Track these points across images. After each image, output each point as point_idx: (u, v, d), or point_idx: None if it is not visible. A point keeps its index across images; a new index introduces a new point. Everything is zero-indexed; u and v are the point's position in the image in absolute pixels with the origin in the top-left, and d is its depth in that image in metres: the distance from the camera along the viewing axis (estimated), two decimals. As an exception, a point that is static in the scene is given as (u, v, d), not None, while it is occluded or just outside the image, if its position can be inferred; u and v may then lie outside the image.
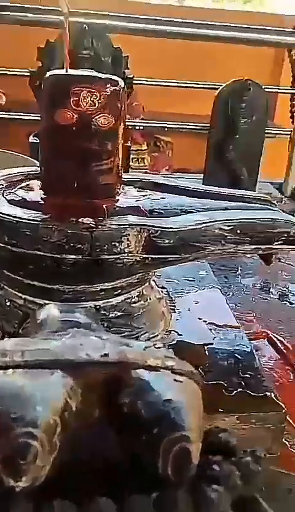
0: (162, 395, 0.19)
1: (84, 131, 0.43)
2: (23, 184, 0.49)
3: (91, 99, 0.42)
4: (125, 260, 0.42)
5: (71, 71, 0.44)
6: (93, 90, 0.42)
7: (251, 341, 0.51)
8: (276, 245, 0.47)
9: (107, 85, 0.43)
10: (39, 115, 0.46)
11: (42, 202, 0.45)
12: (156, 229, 0.42)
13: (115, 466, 0.18)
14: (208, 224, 0.44)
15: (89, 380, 0.19)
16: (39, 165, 0.48)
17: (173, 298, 0.55)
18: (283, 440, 0.43)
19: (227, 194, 0.51)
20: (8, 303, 0.45)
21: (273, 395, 0.43)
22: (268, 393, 0.43)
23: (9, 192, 0.47)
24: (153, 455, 0.17)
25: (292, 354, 0.56)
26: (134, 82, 0.93)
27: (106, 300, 0.45)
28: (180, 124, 1.31)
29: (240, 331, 0.51)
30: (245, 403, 0.42)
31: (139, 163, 1.26)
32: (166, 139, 1.38)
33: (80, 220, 0.41)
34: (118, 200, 0.46)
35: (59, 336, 0.22)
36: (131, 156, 1.20)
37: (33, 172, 0.51)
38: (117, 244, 0.41)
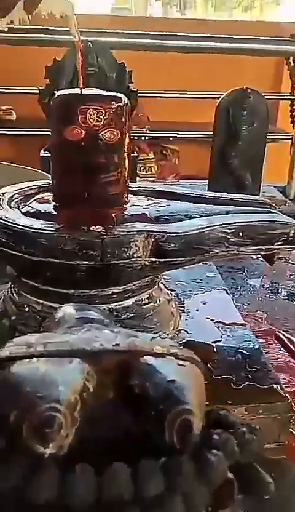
0: (167, 377, 0.21)
1: (92, 146, 0.46)
2: (36, 196, 0.52)
3: (98, 116, 0.45)
4: (134, 264, 0.44)
5: (77, 90, 0.48)
6: (99, 108, 0.45)
7: (259, 339, 0.53)
8: (276, 245, 0.49)
9: (112, 102, 0.46)
10: (48, 130, 0.49)
11: (55, 212, 0.48)
12: (162, 234, 0.45)
13: (127, 437, 0.21)
14: (211, 228, 0.46)
15: (103, 365, 0.22)
16: (50, 178, 0.51)
17: (182, 300, 0.57)
18: (291, 429, 0.45)
19: (229, 199, 0.53)
20: (27, 309, 0.48)
21: (279, 387, 0.45)
22: (275, 385, 0.45)
23: (24, 205, 0.50)
24: (160, 426, 0.20)
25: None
26: (138, 95, 0.96)
27: (118, 303, 0.47)
28: (184, 132, 1.34)
29: (247, 328, 0.53)
30: (252, 395, 0.44)
31: (146, 171, 1.29)
32: (172, 147, 1.41)
33: (91, 229, 0.44)
34: (126, 208, 0.49)
35: (76, 330, 0.25)
36: (139, 165, 1.23)
37: (45, 185, 0.54)
38: (126, 250, 0.44)
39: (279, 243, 0.49)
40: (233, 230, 0.47)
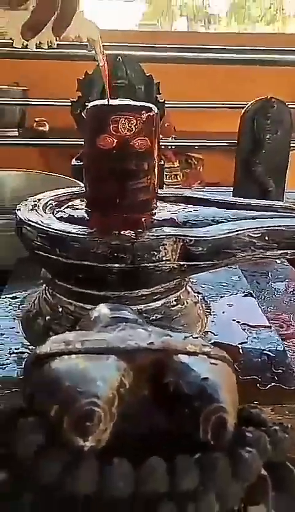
0: (200, 375, 0.21)
1: (123, 153, 0.46)
2: (70, 203, 0.53)
3: (129, 125, 0.45)
4: (163, 267, 0.44)
5: (110, 101, 0.48)
6: (130, 117, 0.45)
7: (284, 341, 0.53)
8: (302, 249, 0.48)
9: (142, 112, 0.46)
10: (79, 140, 0.49)
11: (88, 218, 0.48)
12: (190, 238, 0.45)
13: (162, 433, 0.21)
14: (237, 232, 0.46)
15: (138, 363, 0.22)
16: (82, 185, 0.51)
17: (208, 302, 0.57)
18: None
19: (254, 204, 0.53)
20: (60, 309, 0.48)
21: (304, 388, 0.44)
22: (300, 386, 0.44)
23: (58, 211, 0.51)
24: (195, 424, 0.20)
25: None
26: (165, 105, 0.96)
27: (147, 304, 0.47)
28: (209, 141, 1.34)
29: (272, 331, 0.52)
30: (278, 395, 0.43)
31: (172, 179, 1.29)
32: (197, 156, 1.41)
33: (122, 233, 0.44)
34: (155, 214, 0.49)
35: (111, 329, 0.25)
36: (165, 173, 1.23)
37: (77, 192, 0.55)
38: (156, 253, 0.44)
39: (305, 247, 0.48)
40: (260, 234, 0.46)
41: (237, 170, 0.90)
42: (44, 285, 0.51)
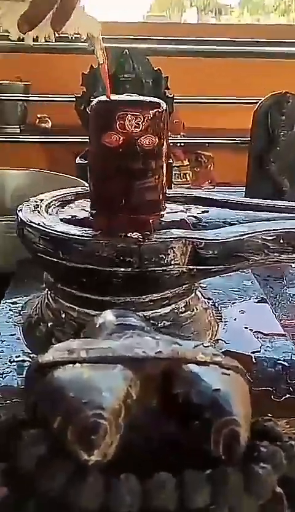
0: (211, 386, 0.21)
1: (130, 152, 0.46)
2: (74, 203, 0.53)
3: (136, 122, 0.46)
4: (171, 272, 0.44)
5: (116, 97, 0.48)
6: (137, 114, 0.45)
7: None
8: (318, 253, 0.48)
9: (150, 108, 0.46)
10: (83, 137, 0.49)
11: (92, 219, 0.49)
12: (200, 241, 0.45)
13: (172, 446, 0.21)
14: (250, 235, 0.46)
15: (146, 373, 0.22)
16: (86, 184, 0.51)
17: (219, 309, 0.56)
18: None
19: (268, 205, 0.53)
20: (63, 315, 0.48)
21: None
22: (316, 398, 0.44)
23: (61, 211, 0.51)
24: (206, 437, 0.20)
25: None
26: (174, 101, 0.96)
27: (155, 310, 0.47)
28: (220, 138, 1.34)
29: (287, 339, 0.52)
30: (294, 408, 0.43)
31: (181, 178, 1.29)
32: (207, 154, 1.41)
33: (128, 235, 0.44)
34: (163, 215, 0.49)
35: (117, 337, 0.25)
36: (174, 172, 1.23)
37: (82, 192, 0.55)
38: (164, 256, 0.44)
39: (322, 250, 0.48)
40: (274, 237, 0.46)
41: (250, 168, 0.90)
42: (46, 289, 0.51)
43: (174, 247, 0.44)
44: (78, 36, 0.47)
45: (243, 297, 0.59)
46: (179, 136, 1.37)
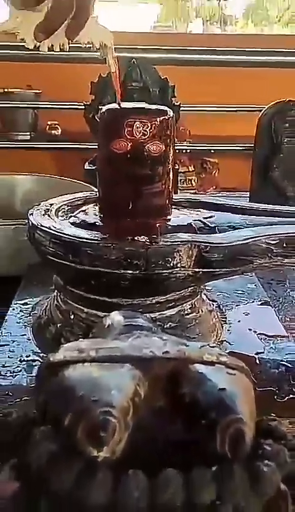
0: (218, 385, 0.21)
1: (137, 158, 0.46)
2: (83, 207, 0.53)
3: (144, 129, 0.46)
4: (177, 274, 0.44)
5: (125, 104, 0.48)
6: (145, 121, 0.46)
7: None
8: (322, 257, 0.48)
9: (157, 116, 0.46)
10: (91, 144, 0.50)
11: (101, 223, 0.49)
12: (206, 244, 0.45)
13: (178, 444, 0.21)
14: (255, 239, 0.46)
15: (154, 373, 0.22)
16: (95, 189, 0.51)
17: (224, 311, 0.56)
18: None
19: (272, 210, 0.53)
20: (72, 316, 0.49)
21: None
22: (319, 399, 0.43)
23: (71, 215, 0.51)
24: (212, 435, 0.20)
25: None
26: (180, 109, 0.97)
27: (161, 312, 0.47)
28: (225, 145, 1.34)
29: (290, 340, 0.52)
30: (296, 408, 0.43)
31: (186, 184, 1.30)
32: (212, 160, 1.42)
33: (135, 239, 0.44)
34: (169, 219, 0.49)
35: (126, 337, 0.25)
36: (179, 178, 1.24)
37: (91, 196, 0.55)
38: (170, 260, 0.44)
39: None
40: (277, 241, 0.46)
41: (254, 174, 0.89)
42: (56, 291, 0.52)
43: (180, 251, 0.44)
44: (90, 45, 0.47)
45: (247, 300, 0.59)
46: (184, 143, 1.37)
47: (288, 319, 0.62)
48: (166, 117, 0.47)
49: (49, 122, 1.77)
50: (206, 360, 0.23)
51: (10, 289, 0.59)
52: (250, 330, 0.53)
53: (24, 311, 0.55)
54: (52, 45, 0.47)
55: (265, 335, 0.52)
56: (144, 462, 0.20)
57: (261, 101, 0.95)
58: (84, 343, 0.24)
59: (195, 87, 1.41)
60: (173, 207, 0.51)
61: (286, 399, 0.44)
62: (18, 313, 0.54)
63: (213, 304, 0.55)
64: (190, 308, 0.49)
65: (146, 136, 0.46)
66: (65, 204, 0.53)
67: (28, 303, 0.56)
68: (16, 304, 0.56)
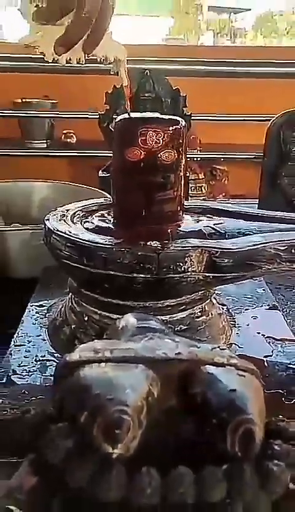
0: (228, 386, 0.21)
1: (151, 166, 0.46)
2: (97, 213, 0.54)
3: (157, 138, 0.46)
4: (188, 279, 0.44)
5: (138, 114, 0.49)
6: (158, 130, 0.46)
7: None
8: None
9: (170, 125, 0.46)
10: (105, 152, 0.50)
11: (114, 228, 0.49)
12: (216, 250, 0.45)
13: (190, 443, 0.21)
14: (264, 245, 0.46)
15: (166, 373, 0.22)
16: (109, 196, 0.52)
17: (233, 314, 0.56)
18: None
19: (280, 216, 0.53)
20: (86, 318, 0.49)
21: None
22: None
23: (86, 221, 0.51)
24: (222, 435, 0.20)
25: None
26: (191, 118, 0.97)
27: (172, 315, 0.47)
28: (234, 153, 1.34)
29: (298, 344, 0.51)
30: (304, 410, 0.42)
31: (197, 191, 1.30)
32: (221, 168, 1.42)
33: (147, 244, 0.45)
34: (181, 225, 0.49)
35: (139, 339, 0.25)
36: (190, 185, 1.24)
37: (105, 203, 0.56)
38: (181, 264, 0.44)
39: None
40: (286, 247, 0.46)
41: (262, 182, 0.89)
42: (70, 294, 0.52)
43: (191, 255, 0.44)
44: (104, 59, 0.48)
45: (256, 304, 0.59)
46: (195, 151, 1.38)
47: (296, 323, 0.62)
48: (179, 127, 0.47)
49: (65, 131, 1.79)
50: (217, 362, 0.23)
51: (27, 291, 0.59)
52: (258, 333, 0.53)
53: (40, 313, 0.55)
54: (70, 59, 0.48)
55: (274, 339, 0.52)
56: (156, 460, 0.20)
57: (270, 110, 0.95)
58: (99, 343, 0.24)
59: (206, 97, 1.42)
60: (184, 213, 0.51)
61: (293, 401, 0.43)
62: (34, 314, 0.55)
63: (223, 308, 0.55)
64: (200, 311, 0.49)
65: (159, 145, 0.46)
66: (80, 210, 0.53)
67: (44, 304, 0.57)
68: (32, 306, 0.56)
